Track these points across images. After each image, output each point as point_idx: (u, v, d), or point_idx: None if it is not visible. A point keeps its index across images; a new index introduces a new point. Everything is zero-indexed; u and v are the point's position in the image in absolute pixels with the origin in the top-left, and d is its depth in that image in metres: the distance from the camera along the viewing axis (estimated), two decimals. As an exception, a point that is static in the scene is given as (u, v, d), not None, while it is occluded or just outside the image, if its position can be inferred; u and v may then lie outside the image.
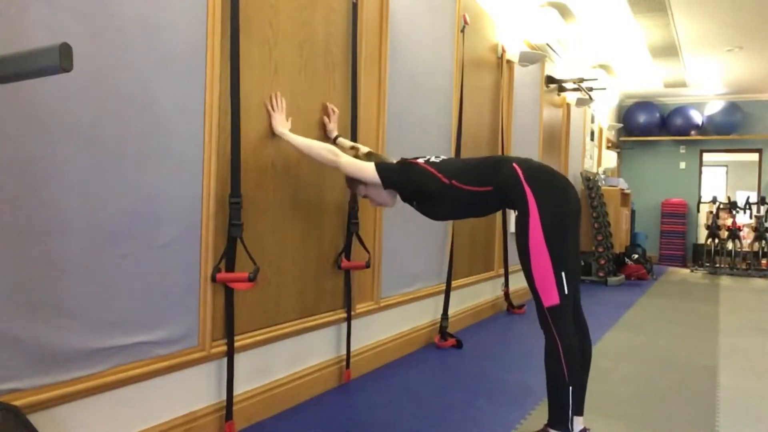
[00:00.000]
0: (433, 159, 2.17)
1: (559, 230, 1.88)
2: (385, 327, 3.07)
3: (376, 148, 2.89)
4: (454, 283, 3.64)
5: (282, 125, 2.21)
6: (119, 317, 1.66)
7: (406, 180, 2.13)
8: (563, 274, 1.86)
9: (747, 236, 8.45)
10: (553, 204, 1.90)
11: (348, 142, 2.51)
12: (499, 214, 4.57)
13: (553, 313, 1.87)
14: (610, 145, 9.10)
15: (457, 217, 2.45)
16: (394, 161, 2.26)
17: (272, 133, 2.21)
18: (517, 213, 1.94)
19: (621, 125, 9.43)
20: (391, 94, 2.98)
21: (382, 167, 2.14)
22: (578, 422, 1.97)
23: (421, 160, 2.16)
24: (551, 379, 1.91)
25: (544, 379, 1.95)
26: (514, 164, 1.96)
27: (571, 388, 1.87)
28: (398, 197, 2.25)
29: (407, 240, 3.23)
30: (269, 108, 2.19)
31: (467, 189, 2.02)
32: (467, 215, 2.25)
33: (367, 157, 2.25)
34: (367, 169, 2.14)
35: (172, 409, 1.85)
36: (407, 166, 2.15)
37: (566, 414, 1.88)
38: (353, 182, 2.28)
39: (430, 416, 2.31)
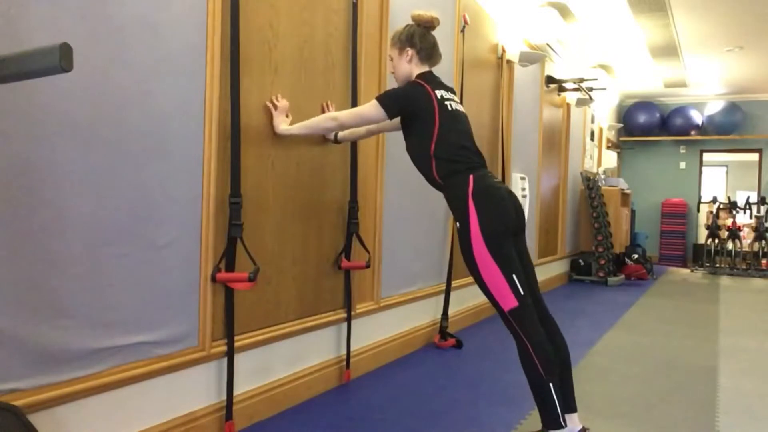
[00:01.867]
0: (447, 102, 2.07)
1: (500, 237, 1.92)
2: (385, 327, 3.07)
3: (376, 148, 2.90)
4: (454, 283, 3.64)
5: (283, 124, 2.21)
6: (119, 317, 1.66)
7: (410, 101, 2.05)
8: (514, 276, 1.90)
9: (747, 236, 8.45)
10: (492, 216, 1.94)
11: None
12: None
13: (515, 316, 1.90)
14: (610, 145, 9.10)
15: (420, 171, 2.34)
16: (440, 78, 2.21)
17: (273, 133, 2.21)
18: (458, 225, 1.98)
19: (621, 125, 9.43)
20: (391, 94, 2.97)
21: (383, 97, 2.08)
22: (573, 420, 1.97)
23: (437, 93, 2.07)
24: (531, 380, 1.92)
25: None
26: (471, 176, 1.99)
27: (551, 384, 1.88)
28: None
29: (407, 240, 3.23)
30: (270, 108, 2.19)
31: (432, 160, 2.03)
32: (423, 175, 2.16)
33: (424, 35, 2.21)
34: (368, 110, 2.09)
35: (172, 409, 1.85)
36: (417, 88, 2.07)
37: (555, 411, 1.88)
38: None
39: (430, 416, 2.31)
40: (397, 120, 2.18)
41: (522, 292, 1.90)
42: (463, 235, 1.95)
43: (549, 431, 1.91)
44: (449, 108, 2.08)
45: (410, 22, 2.24)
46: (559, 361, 1.96)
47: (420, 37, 2.19)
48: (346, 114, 2.16)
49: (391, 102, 2.07)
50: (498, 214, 1.95)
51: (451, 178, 2.03)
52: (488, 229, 1.91)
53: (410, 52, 2.18)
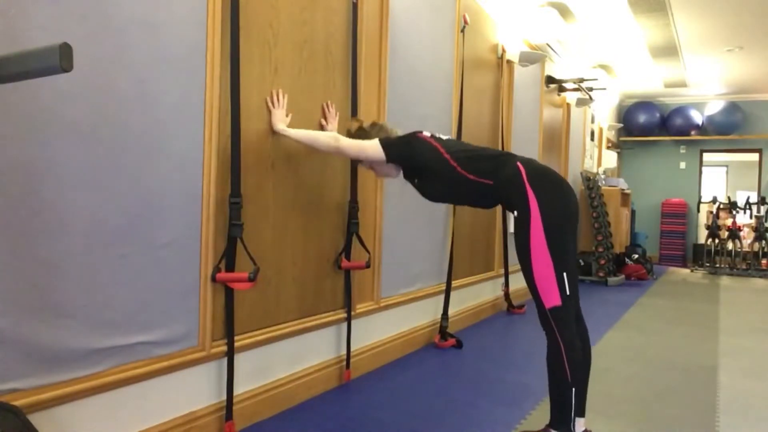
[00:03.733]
0: (438, 135, 2.17)
1: (560, 231, 1.88)
2: (385, 327, 3.07)
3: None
4: (454, 283, 3.64)
5: (281, 122, 2.21)
6: (119, 317, 1.66)
7: (409, 154, 2.12)
8: (564, 274, 1.86)
9: (747, 236, 8.45)
10: (555, 205, 1.90)
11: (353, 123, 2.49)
12: (499, 215, 4.57)
13: (555, 314, 1.87)
14: (610, 145, 9.10)
15: (454, 202, 2.40)
16: (398, 132, 2.26)
17: (272, 133, 2.21)
18: (516, 214, 1.93)
19: (621, 125, 9.43)
20: (391, 94, 2.97)
21: (386, 142, 2.13)
22: (580, 424, 1.97)
23: (426, 133, 2.16)
24: (554, 380, 1.91)
25: (545, 379, 1.96)
26: (519, 163, 1.96)
27: (573, 389, 1.87)
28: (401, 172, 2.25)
29: (407, 240, 3.22)
30: (269, 104, 2.19)
31: (467, 177, 2.02)
32: (463, 202, 2.23)
33: (372, 127, 2.27)
34: (370, 148, 2.13)
35: (172, 409, 1.85)
36: (412, 138, 2.14)
37: (569, 415, 1.88)
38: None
39: (430, 416, 2.31)
40: (374, 156, 2.16)
41: (568, 293, 1.86)
42: (521, 223, 1.90)
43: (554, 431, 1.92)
44: (443, 137, 2.17)
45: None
46: (583, 365, 1.96)
47: (379, 130, 2.30)
48: (349, 143, 2.16)
49: (391, 150, 2.12)
50: (559, 202, 1.91)
51: (498, 173, 1.98)
52: (549, 217, 1.86)
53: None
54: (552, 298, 1.86)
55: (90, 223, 1.56)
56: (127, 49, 1.64)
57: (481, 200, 2.11)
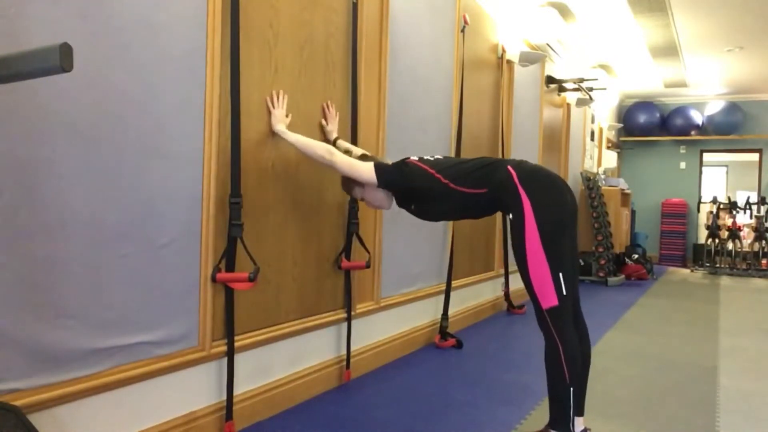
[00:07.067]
0: (426, 157, 2.18)
1: (555, 231, 1.88)
2: (385, 327, 3.07)
3: (376, 148, 2.89)
4: (454, 283, 3.64)
5: (281, 123, 2.21)
6: (119, 317, 1.66)
7: (400, 178, 2.12)
8: (561, 274, 1.86)
9: (747, 236, 8.45)
10: (549, 205, 1.90)
11: (345, 144, 2.51)
12: (499, 215, 4.56)
13: (552, 315, 1.87)
14: (610, 145, 9.10)
15: (453, 218, 2.44)
16: (390, 162, 2.27)
17: (272, 133, 2.21)
18: (511, 216, 1.94)
19: (621, 125, 9.43)
20: (391, 94, 2.97)
21: (378, 166, 2.14)
22: (579, 423, 1.97)
23: (414, 158, 2.17)
24: (552, 380, 1.91)
25: (544, 379, 1.95)
26: (509, 167, 1.97)
27: (572, 389, 1.87)
28: (394, 201, 2.25)
29: (407, 240, 3.23)
30: (269, 105, 2.19)
31: (462, 190, 2.03)
32: (462, 216, 2.27)
33: (362, 158, 2.26)
34: (363, 168, 2.14)
35: (172, 409, 1.85)
36: (402, 164, 2.16)
37: (567, 415, 1.88)
38: (349, 184, 2.28)
39: (430, 416, 2.31)
40: (356, 173, 2.16)
41: (565, 293, 1.86)
42: (516, 226, 1.91)
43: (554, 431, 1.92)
44: (431, 158, 2.17)
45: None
46: (582, 364, 1.96)
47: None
48: (342, 158, 2.16)
49: (382, 174, 2.13)
50: (553, 201, 1.91)
51: (490, 179, 1.99)
52: (544, 217, 1.86)
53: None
54: (549, 299, 1.87)
55: (90, 223, 1.56)
56: (127, 49, 1.64)
57: (480, 210, 2.12)
